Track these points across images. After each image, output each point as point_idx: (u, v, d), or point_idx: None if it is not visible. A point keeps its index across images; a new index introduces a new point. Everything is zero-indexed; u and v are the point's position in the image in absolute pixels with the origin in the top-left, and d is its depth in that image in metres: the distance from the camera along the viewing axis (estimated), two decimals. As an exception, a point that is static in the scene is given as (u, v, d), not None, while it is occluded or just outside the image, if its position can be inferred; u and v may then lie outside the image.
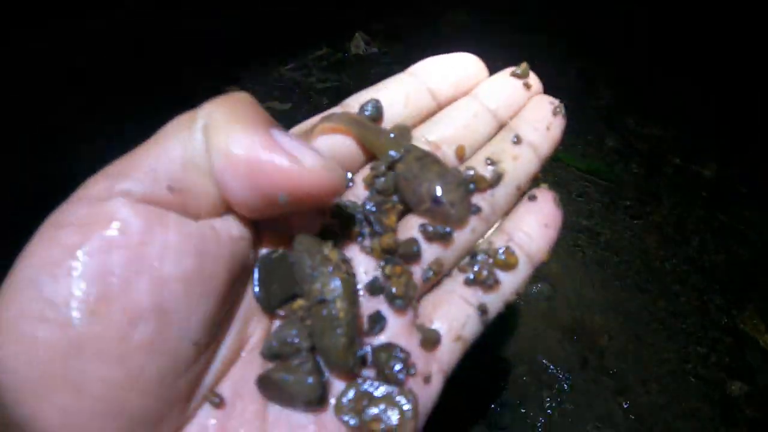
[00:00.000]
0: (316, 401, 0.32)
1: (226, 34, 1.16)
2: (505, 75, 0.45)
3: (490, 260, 0.40)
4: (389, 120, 0.42)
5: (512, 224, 0.41)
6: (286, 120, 0.40)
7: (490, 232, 0.42)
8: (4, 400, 0.24)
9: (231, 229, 0.31)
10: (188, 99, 0.35)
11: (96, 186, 0.27)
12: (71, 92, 0.99)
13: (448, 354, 0.37)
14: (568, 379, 0.78)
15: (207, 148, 0.28)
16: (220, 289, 0.29)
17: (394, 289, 0.36)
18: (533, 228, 0.41)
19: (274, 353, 0.33)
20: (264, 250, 0.35)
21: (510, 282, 0.40)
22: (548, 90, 0.45)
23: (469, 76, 0.44)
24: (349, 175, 0.41)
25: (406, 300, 0.37)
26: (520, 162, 0.42)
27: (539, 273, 0.79)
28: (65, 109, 0.96)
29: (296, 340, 0.33)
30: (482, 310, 0.39)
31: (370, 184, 0.41)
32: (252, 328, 0.34)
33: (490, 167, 0.42)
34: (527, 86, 0.44)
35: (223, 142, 0.28)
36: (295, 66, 1.19)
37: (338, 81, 1.18)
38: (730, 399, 0.78)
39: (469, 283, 0.40)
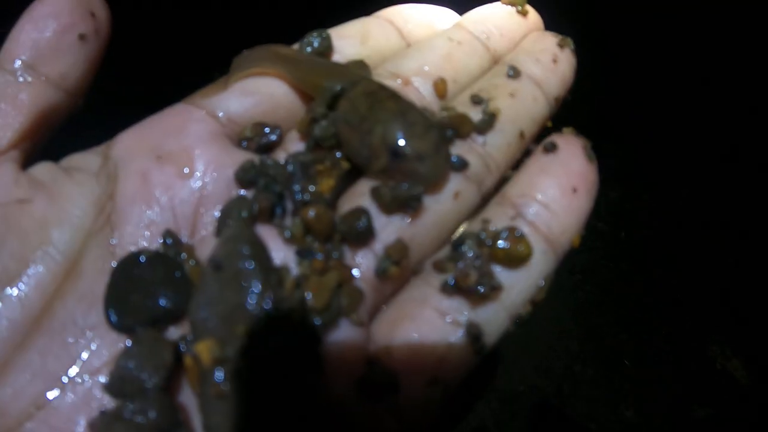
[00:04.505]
0: None
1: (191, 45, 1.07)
2: (494, 5, 0.34)
3: (484, 252, 0.25)
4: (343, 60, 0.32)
5: (520, 190, 0.27)
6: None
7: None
8: None
9: None
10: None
11: None
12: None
13: (418, 410, 0.24)
14: (543, 406, 0.78)
15: None
16: None
17: (309, 297, 0.23)
18: (554, 195, 0.26)
19: (117, 390, 0.23)
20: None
21: (519, 286, 0.26)
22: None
23: (447, 22, 0.34)
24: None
25: (333, 314, 0.23)
26: (519, 99, 0.29)
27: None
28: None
29: (142, 375, 0.22)
30: (473, 333, 0.25)
31: (305, 133, 0.27)
32: (96, 345, 0.24)
33: (477, 107, 0.29)
34: (523, 14, 0.33)
35: None
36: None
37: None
38: (696, 423, 0.80)
39: (448, 290, 0.25)
